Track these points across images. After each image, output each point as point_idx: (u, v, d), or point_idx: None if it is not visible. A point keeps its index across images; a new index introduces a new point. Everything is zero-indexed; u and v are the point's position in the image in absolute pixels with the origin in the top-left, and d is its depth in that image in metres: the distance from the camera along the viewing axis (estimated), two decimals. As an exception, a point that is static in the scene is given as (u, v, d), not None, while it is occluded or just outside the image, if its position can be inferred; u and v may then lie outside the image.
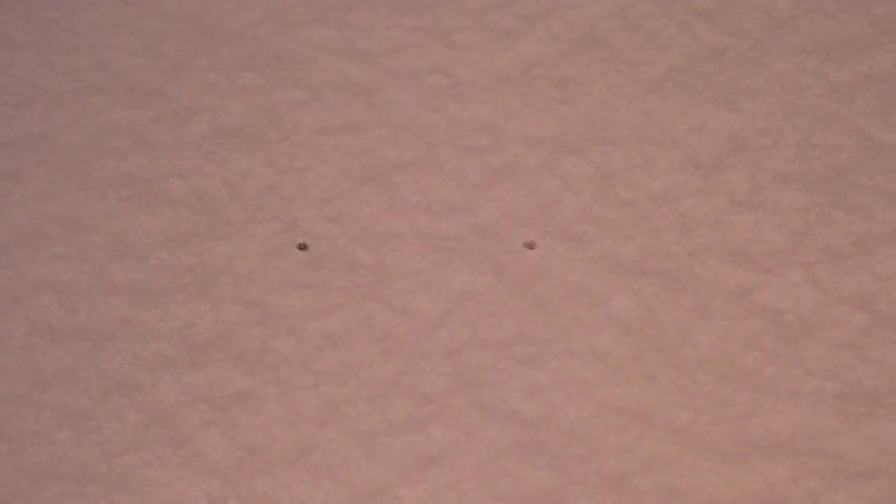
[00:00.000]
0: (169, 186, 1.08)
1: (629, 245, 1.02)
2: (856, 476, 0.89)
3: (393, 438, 0.95)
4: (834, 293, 0.97)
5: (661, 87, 1.11)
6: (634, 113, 1.10)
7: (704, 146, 1.08)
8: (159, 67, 1.15)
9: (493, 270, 1.02)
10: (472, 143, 1.09)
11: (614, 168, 1.06)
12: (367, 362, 0.98)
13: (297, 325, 1.00)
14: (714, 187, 1.04)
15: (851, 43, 1.11)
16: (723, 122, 1.09)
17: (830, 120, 1.07)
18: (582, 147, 1.08)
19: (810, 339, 0.96)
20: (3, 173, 1.08)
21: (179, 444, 0.95)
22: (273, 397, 0.97)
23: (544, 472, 0.93)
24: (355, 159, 1.09)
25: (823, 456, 0.91)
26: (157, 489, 0.94)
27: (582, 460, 0.93)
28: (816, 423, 0.93)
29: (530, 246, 1.03)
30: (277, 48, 1.16)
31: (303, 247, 1.04)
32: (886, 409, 0.92)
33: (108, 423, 0.96)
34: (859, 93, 1.07)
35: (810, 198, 1.02)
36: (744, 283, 0.99)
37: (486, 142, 1.09)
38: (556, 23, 1.15)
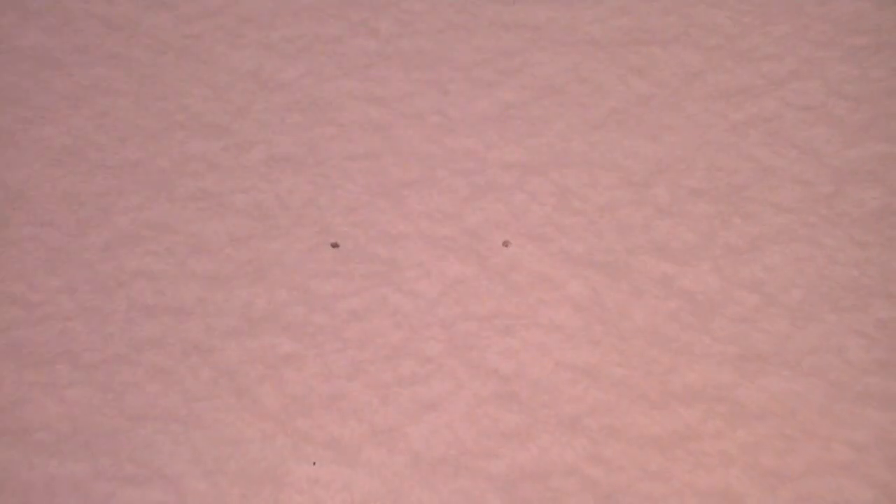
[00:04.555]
0: (234, 199, 1.07)
1: (580, 243, 1.00)
2: (751, 417, 0.89)
3: (402, 389, 0.94)
4: (734, 280, 0.95)
5: (604, 125, 1.08)
6: (584, 144, 1.08)
7: (637, 169, 1.05)
8: (227, 110, 1.11)
9: (478, 262, 1.01)
10: (462, 166, 1.08)
11: (569, 185, 1.05)
12: (383, 332, 0.97)
13: (330, 304, 0.99)
14: (644, 200, 1.03)
15: (746, 91, 1.08)
16: (650, 151, 1.07)
17: (730, 149, 1.04)
18: (545, 169, 1.07)
19: (716, 314, 0.95)
20: (109, 189, 1.07)
21: (241, 394, 0.94)
22: (312, 358, 0.96)
23: (516, 415, 0.93)
24: (374, 178, 1.07)
25: (727, 402, 0.91)
26: (224, 427, 0.93)
27: (544, 405, 0.93)
28: (721, 377, 0.92)
29: (506, 244, 1.02)
30: (315, 95, 1.14)
31: (335, 245, 1.03)
32: (774, 367, 0.91)
33: (188, 378, 0.95)
34: (752, 129, 1.05)
35: (716, 208, 1.00)
36: (666, 272, 0.98)
37: (472, 165, 1.08)
38: (525, 76, 1.12)
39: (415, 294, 1.00)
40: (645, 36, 1.09)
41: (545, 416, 0.91)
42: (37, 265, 1.01)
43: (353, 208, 1.06)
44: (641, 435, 0.90)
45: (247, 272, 1.01)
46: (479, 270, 1.01)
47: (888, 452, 0.86)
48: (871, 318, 0.93)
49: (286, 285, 1.00)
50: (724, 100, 1.05)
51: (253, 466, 0.90)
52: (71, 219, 1.05)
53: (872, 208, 0.97)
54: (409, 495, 0.89)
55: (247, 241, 1.04)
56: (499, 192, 1.06)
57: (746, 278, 0.96)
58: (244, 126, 1.11)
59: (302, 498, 0.89)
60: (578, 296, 0.98)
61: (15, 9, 1.14)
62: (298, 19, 1.13)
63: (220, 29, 1.14)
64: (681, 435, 0.89)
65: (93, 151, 1.08)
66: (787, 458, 0.87)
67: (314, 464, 0.91)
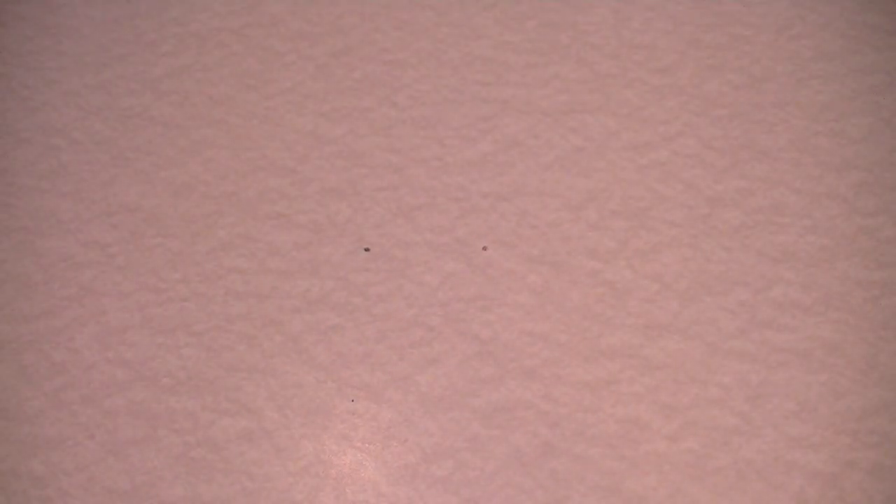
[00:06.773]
0: (298, 218, 1.11)
1: (536, 249, 1.06)
2: (653, 368, 0.93)
3: (413, 350, 0.97)
4: (641, 273, 1.02)
5: (551, 167, 1.13)
6: (538, 180, 1.12)
7: (574, 197, 1.10)
8: (293, 157, 1.17)
9: (465, 261, 1.05)
10: (454, 195, 1.11)
11: (528, 208, 1.09)
12: (401, 309, 1.01)
13: (363, 290, 1.03)
14: (579, 218, 1.08)
15: (647, 144, 1.13)
16: (583, 184, 1.11)
17: (638, 184, 1.10)
18: (511, 198, 1.11)
19: (629, 297, 1.00)
20: (212, 211, 1.13)
21: (301, 352, 0.97)
22: (351, 327, 0.99)
23: (491, 368, 0.96)
24: (393, 204, 1.11)
25: (637, 358, 0.94)
26: (290, 376, 0.96)
27: (511, 360, 0.96)
28: (633, 340, 0.96)
29: (484, 249, 1.06)
30: (354, 147, 1.17)
31: (367, 249, 1.07)
32: (669, 333, 0.94)
33: (265, 342, 0.98)
34: (652, 170, 1.09)
35: (628, 223, 1.06)
36: (595, 268, 1.03)
37: (461, 195, 1.11)
38: (497, 134, 1.16)
39: (422, 283, 1.03)
40: (578, 107, 1.13)
41: (511, 367, 0.95)
42: (163, 263, 1.06)
43: (380, 224, 1.09)
44: (578, 380, 0.93)
45: (306, 268, 1.05)
46: (465, 267, 1.04)
47: (746, 392, 0.90)
48: (734, 299, 0.98)
49: (333, 277, 1.04)
50: (633, 150, 1.09)
51: (310, 402, 0.93)
52: (186, 232, 1.09)
53: (733, 224, 1.04)
54: (417, 423, 0.91)
55: (306, 247, 1.07)
56: (479, 213, 1.09)
57: (649, 272, 1.01)
58: (305, 168, 1.14)
59: (343, 425, 0.91)
60: (534, 284, 1.02)
61: (148, 89, 1.21)
62: (343, 96, 1.19)
63: (290, 103, 1.19)
64: (605, 381, 0.93)
65: (201, 186, 1.13)
66: (678, 396, 0.91)
67: (352, 401, 0.93)
